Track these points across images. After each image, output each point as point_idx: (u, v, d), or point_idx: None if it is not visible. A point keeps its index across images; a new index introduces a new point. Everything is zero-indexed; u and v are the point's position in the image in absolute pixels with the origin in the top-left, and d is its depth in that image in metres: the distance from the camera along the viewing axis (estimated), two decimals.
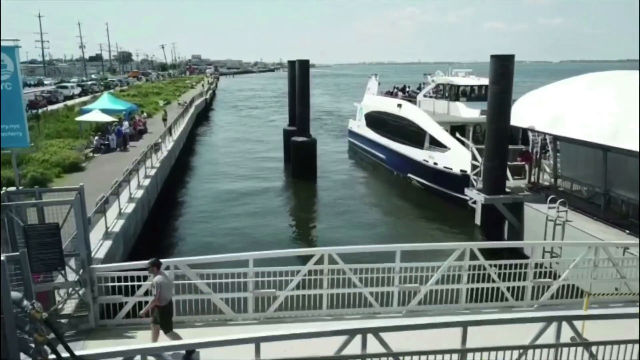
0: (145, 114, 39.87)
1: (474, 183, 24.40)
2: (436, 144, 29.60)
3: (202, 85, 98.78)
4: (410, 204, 28.89)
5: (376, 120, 39.37)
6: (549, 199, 17.98)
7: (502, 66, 19.14)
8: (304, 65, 32.72)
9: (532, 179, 22.76)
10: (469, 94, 31.47)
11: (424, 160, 29.68)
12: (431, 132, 29.61)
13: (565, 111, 18.76)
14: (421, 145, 30.64)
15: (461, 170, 26.23)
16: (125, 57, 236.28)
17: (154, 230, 21.66)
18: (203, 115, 68.13)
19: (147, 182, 21.96)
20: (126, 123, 31.65)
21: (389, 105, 37.08)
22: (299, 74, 32.72)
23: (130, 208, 17.95)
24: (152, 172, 23.80)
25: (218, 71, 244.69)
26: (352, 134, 45.85)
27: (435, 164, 28.48)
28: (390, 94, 41.28)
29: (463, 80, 31.67)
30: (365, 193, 31.63)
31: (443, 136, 28.68)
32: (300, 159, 33.37)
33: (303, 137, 33.31)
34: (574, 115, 18.23)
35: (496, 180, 20.02)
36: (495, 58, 19.36)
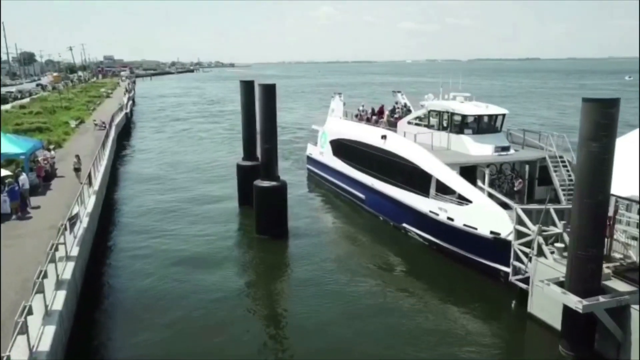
0: (53, 151, 30.35)
1: (521, 256, 18.53)
2: (442, 190, 23.51)
3: (124, 93, 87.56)
4: (418, 271, 22.48)
5: (347, 150, 32.74)
6: None
7: (605, 115, 13.13)
8: (269, 90, 25.27)
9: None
10: (477, 126, 25.59)
11: (432, 212, 23.44)
12: (440, 177, 23.38)
13: None
14: (423, 191, 24.37)
15: (492, 232, 20.24)
16: (27, 59, 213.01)
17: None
18: (124, 136, 58.01)
19: (61, 297, 13.84)
20: (23, 176, 22.53)
21: (367, 135, 30.54)
22: (263, 102, 25.26)
23: None
24: (69, 270, 15.59)
25: (134, 73, 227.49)
26: (314, 162, 38.93)
27: (450, 219, 22.30)
28: (368, 119, 34.42)
29: (469, 108, 25.69)
30: (354, 252, 24.78)
31: (459, 184, 22.50)
32: (266, 209, 25.97)
33: (270, 181, 25.96)
34: None
35: (592, 275, 14.02)
36: (594, 104, 13.34)
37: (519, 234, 18.57)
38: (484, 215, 20.88)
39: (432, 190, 23.83)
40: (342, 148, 33.78)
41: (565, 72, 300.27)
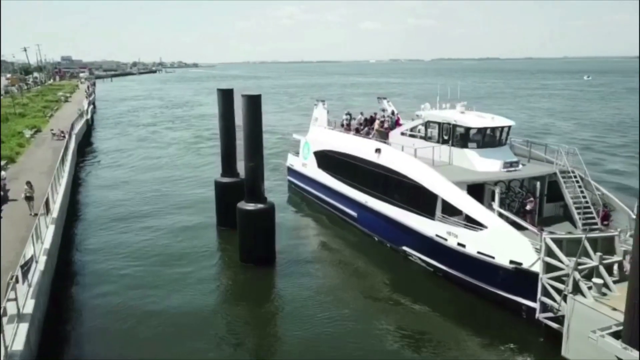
0: (3, 170, 26.51)
1: (551, 292, 16.41)
2: (448, 211, 21.30)
3: (86, 97, 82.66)
4: (424, 300, 20.10)
5: (335, 162, 30.23)
6: None
7: None
8: (254, 102, 22.49)
9: None
10: (482, 139, 23.49)
11: (438, 236, 21.18)
12: (447, 197, 21.14)
13: None
14: (427, 212, 22.10)
15: (512, 262, 18.10)
16: None
17: None
18: (85, 145, 53.77)
19: None
20: None
21: (357, 147, 28.14)
22: (248, 114, 22.45)
23: None
24: (22, 334, 12.52)
25: (94, 74, 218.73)
26: (295, 173, 36.23)
27: (461, 245, 20.08)
28: (357, 129, 31.66)
29: (472, 119, 23.55)
30: (351, 281, 22.23)
31: (470, 206, 20.29)
32: (252, 234, 23.21)
33: (256, 203, 23.20)
34: None
35: None
36: None
37: (548, 267, 16.47)
38: (502, 242, 18.74)
39: (438, 212, 21.59)
40: (328, 160, 31.26)
41: (527, 72, 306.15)
